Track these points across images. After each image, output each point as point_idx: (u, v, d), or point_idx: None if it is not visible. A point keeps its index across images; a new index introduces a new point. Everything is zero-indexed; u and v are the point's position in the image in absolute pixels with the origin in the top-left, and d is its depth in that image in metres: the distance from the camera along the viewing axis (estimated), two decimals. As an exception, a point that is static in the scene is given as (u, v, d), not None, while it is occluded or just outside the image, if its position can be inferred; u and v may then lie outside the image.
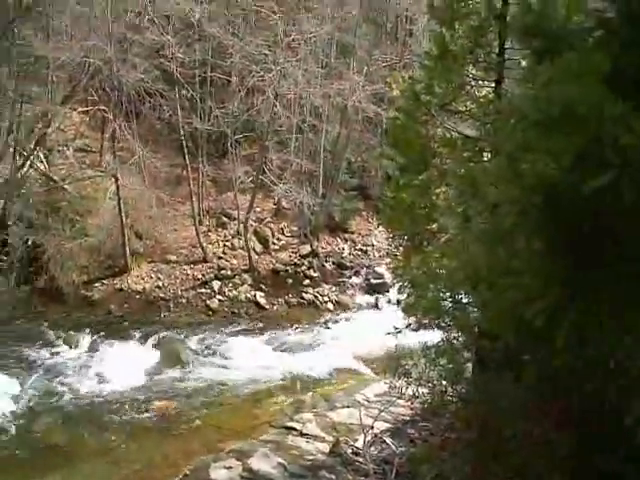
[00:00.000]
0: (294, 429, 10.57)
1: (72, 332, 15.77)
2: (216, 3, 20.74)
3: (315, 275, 19.61)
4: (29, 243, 17.36)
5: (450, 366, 8.18)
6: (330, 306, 18.53)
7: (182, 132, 19.34)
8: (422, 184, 9.54)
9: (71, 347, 15.31)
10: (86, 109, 21.50)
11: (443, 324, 8.88)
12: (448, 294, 8.94)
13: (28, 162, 18.99)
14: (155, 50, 19.74)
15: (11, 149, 18.55)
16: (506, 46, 8.50)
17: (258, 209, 20.92)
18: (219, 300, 17.94)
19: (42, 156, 20.01)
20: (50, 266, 16.88)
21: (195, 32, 19.45)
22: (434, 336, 8.87)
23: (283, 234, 20.90)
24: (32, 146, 19.27)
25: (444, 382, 8.20)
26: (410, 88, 9.23)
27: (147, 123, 21.46)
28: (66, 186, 19.21)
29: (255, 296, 18.21)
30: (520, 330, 6.53)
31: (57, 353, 15.02)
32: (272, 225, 20.95)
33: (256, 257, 19.58)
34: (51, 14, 18.67)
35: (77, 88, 19.88)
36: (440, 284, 8.84)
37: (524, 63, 8.61)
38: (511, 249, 6.85)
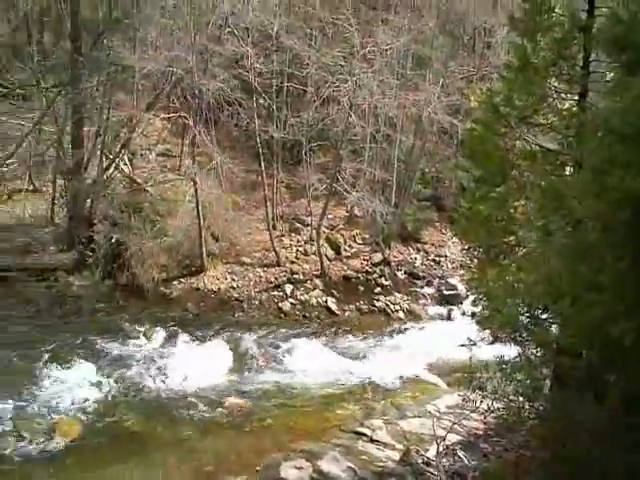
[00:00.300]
0: (364, 435, 10.72)
1: (151, 327, 16.41)
2: (294, 16, 21.23)
3: (387, 283, 19.61)
4: (113, 241, 18.19)
5: (527, 382, 8.11)
6: (401, 315, 18.49)
7: (258, 139, 19.84)
8: (499, 196, 9.50)
9: (149, 341, 15.96)
10: (168, 116, 22.42)
11: (520, 339, 8.81)
12: (525, 308, 8.87)
13: (113, 164, 19.97)
14: (234, 60, 20.38)
15: (98, 152, 19.55)
16: (591, 58, 8.40)
17: (331, 216, 21.15)
18: (291, 303, 18.24)
19: (126, 159, 21.04)
20: (132, 263, 17.62)
21: (273, 43, 19.95)
22: (510, 351, 8.80)
23: (355, 241, 21.03)
24: (118, 150, 20.23)
25: (520, 398, 8.12)
26: (488, 100, 9.24)
27: (225, 130, 22.18)
28: (148, 188, 20.14)
29: (326, 301, 18.43)
30: (605, 348, 6.44)
31: (136, 346, 15.68)
32: (344, 232, 21.12)
33: (328, 263, 19.79)
34: (138, 26, 19.52)
35: (160, 96, 20.76)
36: (517, 298, 8.78)
37: (611, 76, 8.49)
38: (595, 265, 6.76)
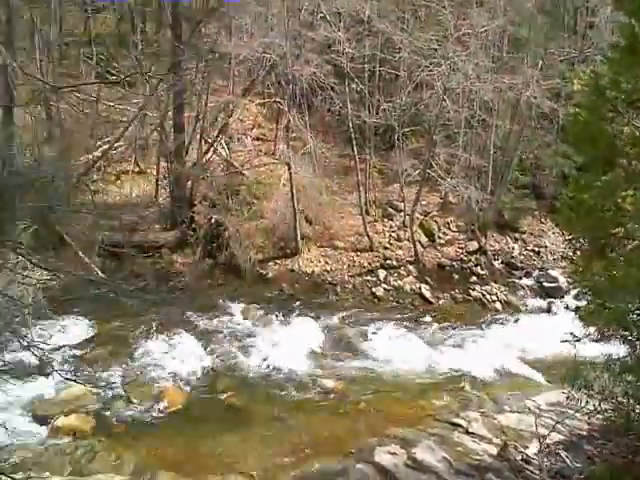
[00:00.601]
0: (459, 426, 10.65)
1: (248, 306, 17.05)
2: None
3: (482, 273, 19.28)
4: (212, 221, 18.95)
5: (637, 384, 7.80)
6: (498, 306, 18.12)
7: (351, 124, 19.88)
8: (606, 185, 9.08)
9: (246, 319, 16.57)
10: (263, 101, 23.02)
11: (629, 337, 8.49)
12: (635, 305, 8.52)
13: (212, 148, 20.70)
14: (327, 46, 20.47)
15: (198, 136, 20.30)
16: None
17: (424, 202, 20.95)
18: (384, 289, 18.29)
19: (224, 143, 21.75)
20: (230, 243, 18.31)
21: (365, 28, 19.84)
22: (619, 349, 8.49)
23: (449, 229, 20.75)
24: (216, 134, 20.94)
25: (630, 400, 7.83)
26: (593, 83, 8.81)
27: (318, 115, 22.36)
28: (244, 171, 20.81)
29: (420, 288, 18.34)
30: None
31: (233, 323, 16.35)
32: (438, 219, 20.86)
33: (421, 250, 19.68)
34: (233, 14, 19.92)
35: (255, 82, 21.26)
36: (626, 294, 8.43)
37: None
38: None
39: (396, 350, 15.22)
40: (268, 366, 14.63)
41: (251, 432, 12.41)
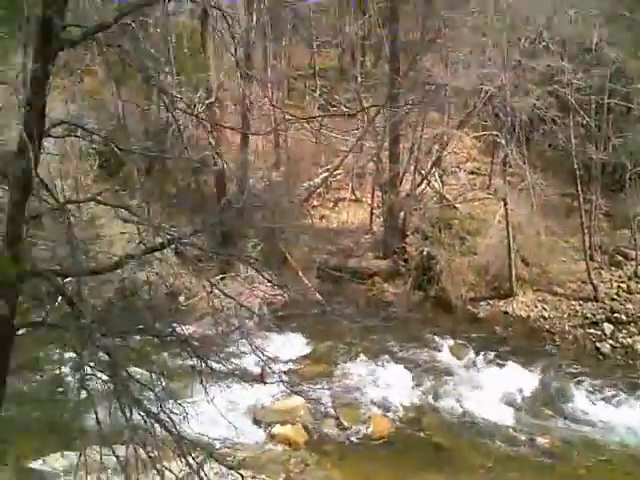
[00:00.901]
0: None
1: (457, 343, 16.74)
2: (617, 25, 19.44)
3: None
4: (424, 254, 18.97)
5: None
6: None
7: (575, 161, 18.68)
8: None
9: (456, 357, 16.30)
10: (478, 134, 22.63)
11: None
12: None
13: (425, 180, 20.87)
14: (549, 76, 19.51)
15: (412, 167, 20.63)
16: None
17: (664, 252, 18.92)
18: (611, 345, 16.62)
19: (437, 176, 21.81)
20: (441, 278, 18.18)
21: (593, 56, 18.56)
22: None
23: (698, 285, 18.41)
24: (429, 166, 21.08)
25: None
26: None
27: (538, 150, 21.37)
28: (457, 205, 20.62)
29: (657, 350, 16.48)
30: None
31: (441, 360, 16.19)
32: (680, 272, 18.65)
33: (660, 306, 17.68)
34: (450, 45, 19.90)
35: (471, 114, 20.96)
36: None
37: None
38: None
39: (622, 416, 13.82)
40: (473, 409, 14.25)
41: (456, 477, 12.21)
